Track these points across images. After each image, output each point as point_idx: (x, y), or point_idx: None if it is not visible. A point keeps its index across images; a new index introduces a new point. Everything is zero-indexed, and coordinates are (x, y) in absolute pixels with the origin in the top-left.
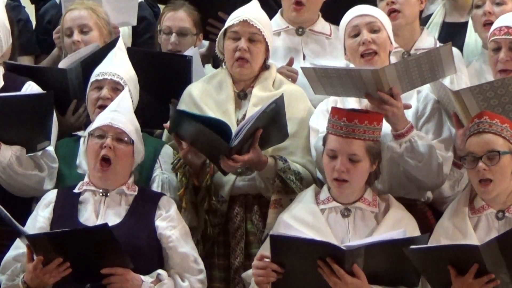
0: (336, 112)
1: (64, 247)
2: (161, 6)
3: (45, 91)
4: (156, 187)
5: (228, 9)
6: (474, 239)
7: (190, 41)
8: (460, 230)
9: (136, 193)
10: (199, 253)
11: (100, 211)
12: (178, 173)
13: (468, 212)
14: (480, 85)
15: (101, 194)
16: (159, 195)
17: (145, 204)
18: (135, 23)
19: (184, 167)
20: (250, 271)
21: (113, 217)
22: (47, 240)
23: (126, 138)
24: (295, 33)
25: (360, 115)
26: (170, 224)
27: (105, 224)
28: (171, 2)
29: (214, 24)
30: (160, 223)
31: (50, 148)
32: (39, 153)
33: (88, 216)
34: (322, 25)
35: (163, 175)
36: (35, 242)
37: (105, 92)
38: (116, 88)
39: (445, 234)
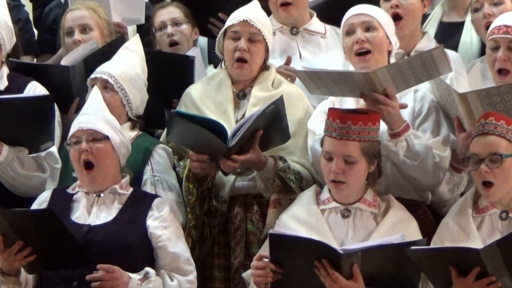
0: (331, 113)
1: (22, 229)
2: None
3: (46, 93)
4: (148, 190)
5: (222, 9)
6: (477, 239)
7: (186, 30)
8: (464, 229)
9: (129, 193)
10: (196, 254)
11: (93, 210)
12: (184, 181)
13: (472, 212)
14: (487, 89)
15: (94, 194)
16: (153, 197)
17: (138, 204)
18: (143, 21)
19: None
20: (250, 271)
21: (105, 216)
22: (2, 217)
23: (99, 136)
24: (290, 33)
25: (354, 116)
26: (161, 224)
27: (49, 209)
28: (159, 2)
29: (215, 24)
30: (152, 223)
31: (54, 149)
32: (43, 153)
33: (80, 214)
34: (316, 24)
35: (154, 177)
36: None
37: None
38: (106, 86)
39: (448, 233)
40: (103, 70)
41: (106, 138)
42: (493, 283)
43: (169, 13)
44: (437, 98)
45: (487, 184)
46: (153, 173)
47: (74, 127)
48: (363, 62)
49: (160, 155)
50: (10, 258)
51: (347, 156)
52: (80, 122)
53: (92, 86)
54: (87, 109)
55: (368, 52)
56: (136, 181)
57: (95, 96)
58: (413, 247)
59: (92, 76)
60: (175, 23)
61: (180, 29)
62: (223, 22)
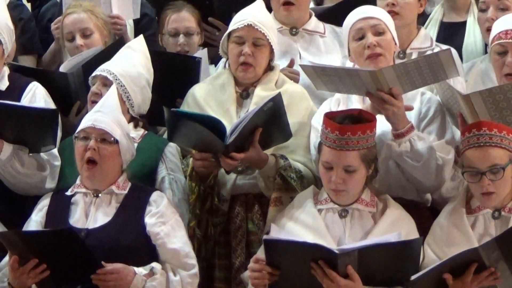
0: (328, 124)
1: (37, 248)
2: None
3: (52, 107)
4: (167, 188)
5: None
6: (472, 237)
7: (197, 40)
8: (457, 227)
9: (126, 191)
10: (203, 254)
11: (90, 212)
12: (187, 179)
13: (464, 213)
14: (489, 89)
15: (92, 195)
16: (151, 191)
17: (135, 202)
18: (138, 16)
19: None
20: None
21: (102, 217)
22: (18, 238)
23: (110, 139)
24: (289, 33)
25: (352, 127)
26: (159, 220)
27: (70, 228)
28: (171, 3)
29: (206, 29)
30: (149, 220)
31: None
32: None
33: (78, 217)
34: (315, 24)
35: (169, 175)
36: (5, 239)
37: (94, 87)
38: (105, 83)
39: (443, 234)
40: (103, 68)
41: (116, 142)
42: (492, 273)
43: (184, 20)
44: (440, 95)
45: (488, 193)
46: (168, 171)
47: (87, 121)
48: (374, 64)
49: (173, 154)
50: (24, 276)
51: (348, 166)
52: (94, 120)
53: (93, 85)
54: (101, 107)
55: (379, 55)
56: (150, 179)
57: (111, 95)
58: (412, 277)
59: (93, 74)
60: (188, 33)
61: (192, 41)
62: (214, 27)
